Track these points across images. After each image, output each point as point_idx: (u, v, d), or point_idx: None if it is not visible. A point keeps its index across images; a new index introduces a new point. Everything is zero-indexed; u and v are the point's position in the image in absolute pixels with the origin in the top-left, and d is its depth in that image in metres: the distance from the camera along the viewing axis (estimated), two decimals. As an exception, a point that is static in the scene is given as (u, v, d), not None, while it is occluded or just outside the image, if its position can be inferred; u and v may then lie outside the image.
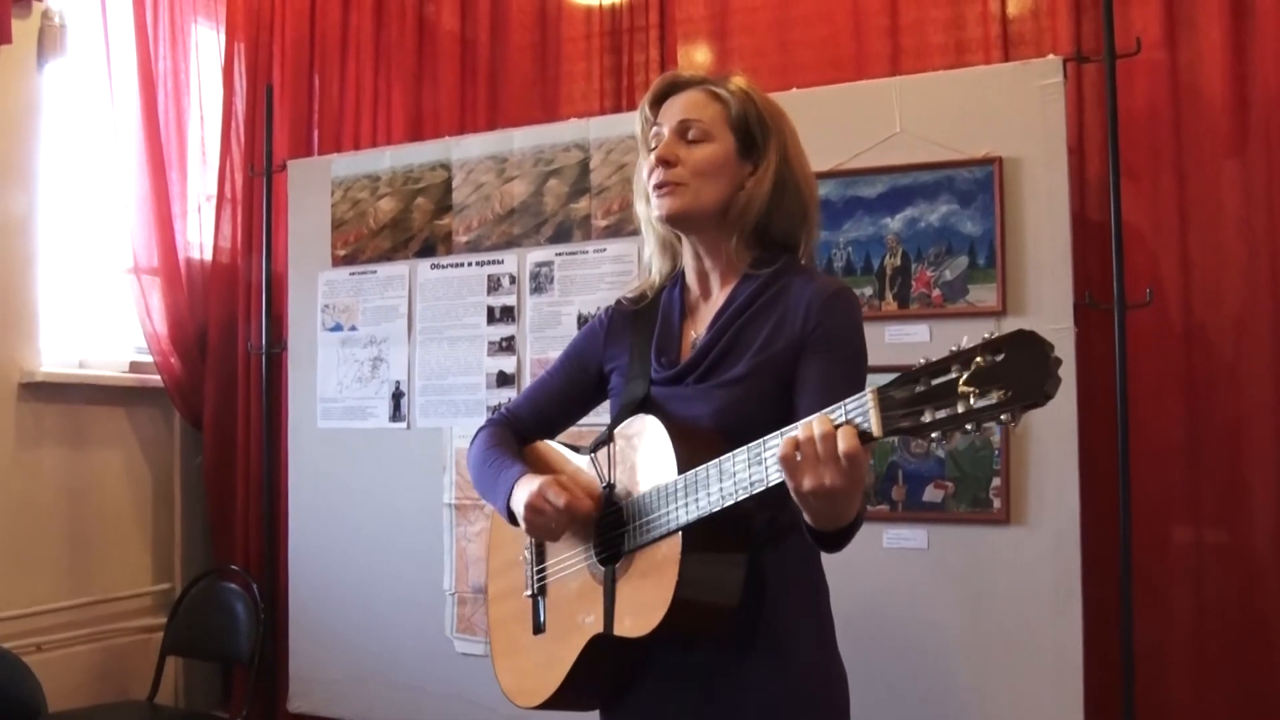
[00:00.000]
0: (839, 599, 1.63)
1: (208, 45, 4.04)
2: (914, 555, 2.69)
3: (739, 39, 3.45)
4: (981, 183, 2.68)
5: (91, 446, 3.62)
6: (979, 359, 1.10)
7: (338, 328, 3.51)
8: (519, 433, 1.79)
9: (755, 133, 1.61)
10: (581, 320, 3.11)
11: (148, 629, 3.69)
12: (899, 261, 2.76)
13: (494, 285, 3.27)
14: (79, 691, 3.38)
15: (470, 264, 3.31)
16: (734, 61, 3.40)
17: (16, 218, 3.38)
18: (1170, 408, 2.84)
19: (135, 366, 3.81)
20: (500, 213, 3.28)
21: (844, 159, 2.80)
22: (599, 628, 1.53)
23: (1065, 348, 2.58)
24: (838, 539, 1.38)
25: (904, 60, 3.18)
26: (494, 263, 3.28)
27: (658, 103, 1.66)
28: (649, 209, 1.64)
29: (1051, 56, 2.71)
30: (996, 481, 2.62)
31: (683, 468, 1.44)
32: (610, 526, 1.56)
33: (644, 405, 1.61)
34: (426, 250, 3.39)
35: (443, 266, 3.35)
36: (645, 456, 1.52)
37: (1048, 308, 2.61)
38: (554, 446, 1.76)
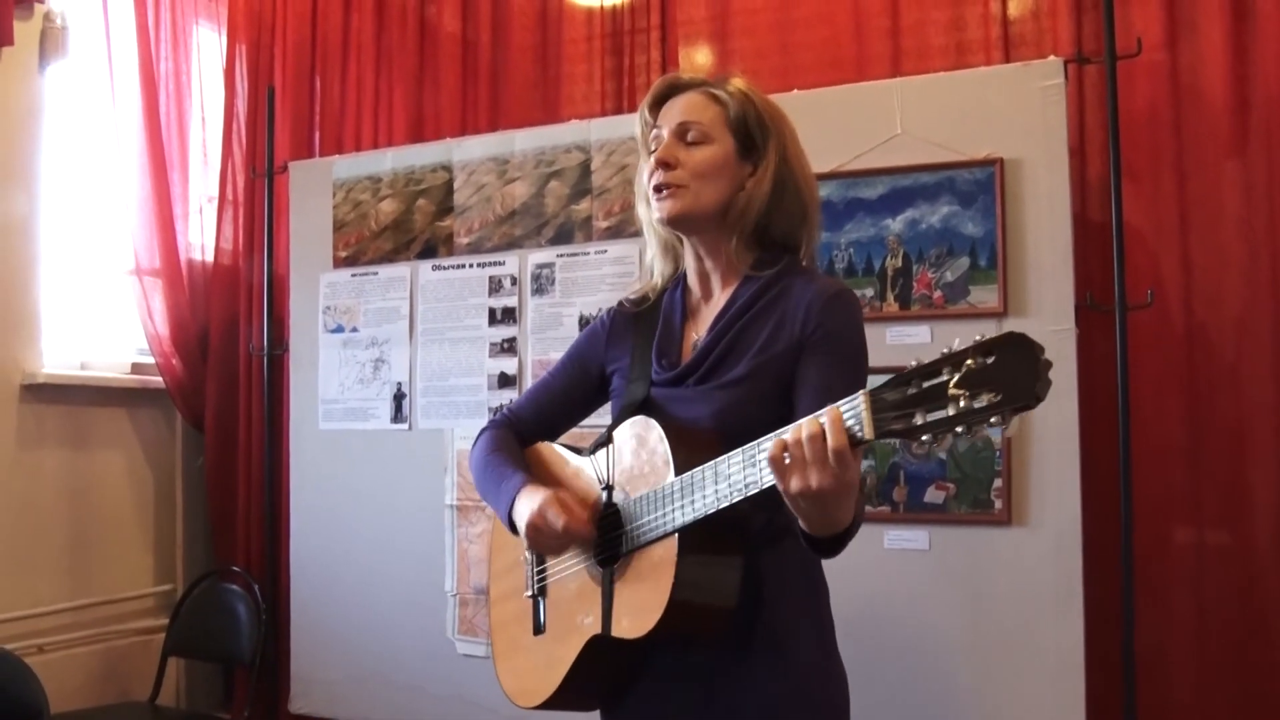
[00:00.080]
0: (840, 600, 1.63)
1: (209, 47, 4.04)
2: (915, 556, 2.69)
3: (740, 40, 3.45)
4: (982, 184, 2.68)
5: (93, 448, 3.62)
6: (970, 361, 1.10)
7: (339, 329, 3.51)
8: (520, 434, 1.80)
9: (754, 134, 1.61)
10: (583, 321, 3.11)
11: (149, 630, 3.69)
12: (900, 263, 2.76)
13: (495, 287, 3.27)
14: (80, 693, 3.38)
15: (471, 265, 3.31)
16: (735, 63, 3.40)
17: (18, 219, 3.38)
18: (1171, 409, 2.84)
19: (137, 368, 3.81)
20: (501, 214, 3.29)
21: (845, 160, 2.80)
22: (597, 629, 1.53)
23: (1066, 349, 2.58)
24: (832, 545, 1.38)
25: (905, 61, 3.18)
26: (495, 264, 3.28)
27: (657, 105, 1.67)
28: (650, 211, 1.64)
29: (1052, 58, 2.71)
30: (998, 483, 2.62)
31: (680, 470, 1.44)
32: (609, 528, 1.56)
33: (644, 407, 1.62)
34: (428, 252, 3.39)
35: (444, 268, 3.36)
36: (643, 458, 1.53)
37: (1049, 309, 2.61)
38: (555, 448, 1.77)
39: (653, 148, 1.64)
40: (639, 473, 1.53)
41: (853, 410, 1.22)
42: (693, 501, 1.41)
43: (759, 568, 1.50)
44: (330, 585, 3.48)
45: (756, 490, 1.33)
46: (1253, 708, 2.73)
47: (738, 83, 1.65)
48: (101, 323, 3.78)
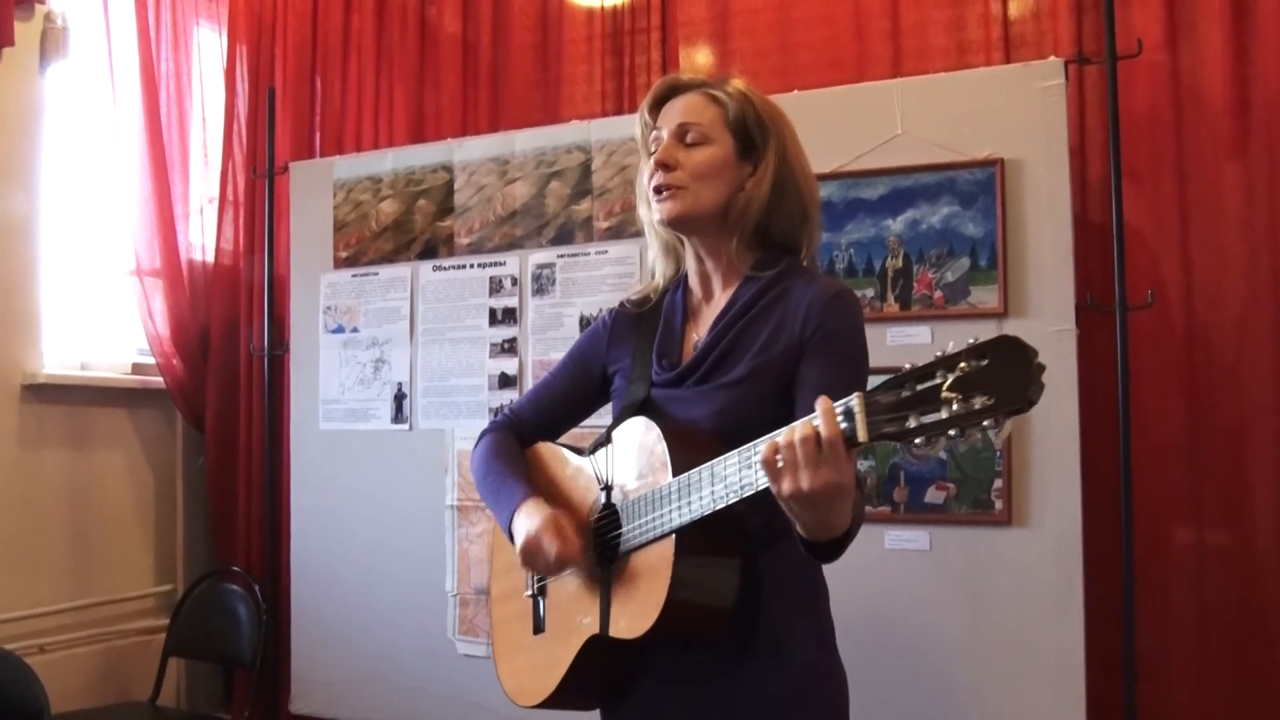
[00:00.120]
0: (840, 600, 1.63)
1: (210, 47, 4.04)
2: (916, 556, 2.70)
3: (740, 41, 3.46)
4: (983, 184, 2.68)
5: (94, 448, 3.62)
6: (963, 364, 1.10)
7: (340, 329, 3.51)
8: (521, 434, 1.80)
9: (754, 134, 1.61)
10: (583, 322, 3.11)
11: (150, 630, 3.70)
12: (900, 263, 2.76)
13: (496, 287, 3.27)
14: (81, 693, 3.39)
15: (472, 266, 3.31)
16: (735, 63, 3.40)
17: (19, 219, 3.38)
18: (1172, 409, 2.84)
19: (137, 368, 3.81)
20: (502, 214, 3.29)
21: (845, 161, 2.80)
22: (595, 629, 1.54)
23: (1067, 349, 2.58)
24: (829, 550, 1.37)
25: (905, 62, 3.18)
26: (496, 264, 3.28)
27: (657, 107, 1.67)
28: (651, 213, 1.65)
29: (1053, 58, 2.71)
30: (998, 483, 2.62)
31: (677, 470, 1.45)
32: (607, 528, 1.57)
33: (644, 407, 1.62)
34: (428, 252, 3.39)
35: (444, 268, 3.36)
36: (641, 459, 1.53)
37: (1049, 309, 2.61)
38: (555, 448, 1.77)
39: (652, 149, 1.64)
40: (637, 473, 1.54)
41: (847, 412, 1.21)
42: (689, 503, 1.41)
43: (757, 568, 1.50)
44: (331, 585, 3.48)
45: (752, 492, 1.33)
46: (1253, 708, 2.73)
47: (737, 83, 1.65)
48: (102, 323, 3.78)
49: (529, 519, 1.58)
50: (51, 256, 3.51)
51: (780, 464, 1.26)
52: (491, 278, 3.28)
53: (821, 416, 1.23)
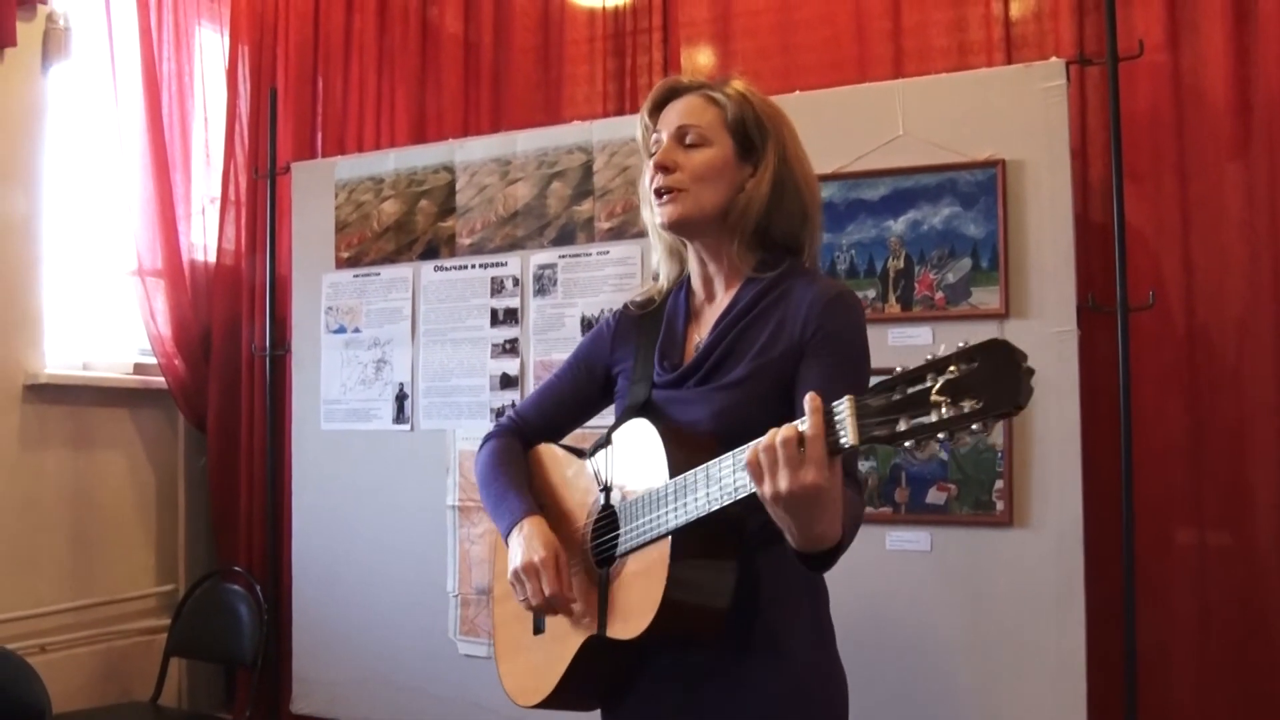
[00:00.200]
0: (841, 601, 1.63)
1: (212, 48, 4.05)
2: (917, 557, 2.70)
3: (742, 42, 3.46)
4: (984, 185, 2.68)
5: (95, 448, 3.62)
6: (953, 368, 1.10)
7: (341, 330, 3.52)
8: (525, 437, 1.81)
9: (753, 135, 1.61)
10: (584, 322, 3.12)
11: (151, 630, 3.70)
12: (902, 264, 2.76)
13: (497, 287, 3.27)
14: (83, 693, 3.39)
15: (473, 266, 3.32)
16: (737, 64, 3.40)
17: (21, 219, 3.39)
18: (1173, 410, 2.84)
19: (139, 368, 3.81)
20: (503, 215, 3.29)
21: (847, 162, 2.80)
22: (593, 629, 1.54)
23: (1068, 350, 2.58)
24: (820, 560, 1.36)
25: (907, 63, 3.18)
26: (497, 265, 3.28)
27: (657, 109, 1.67)
28: (653, 215, 1.65)
29: (1054, 59, 2.71)
30: (999, 484, 2.62)
31: (674, 472, 1.45)
32: (606, 529, 1.57)
33: (646, 408, 1.62)
34: (430, 252, 3.40)
35: (446, 269, 3.36)
36: (639, 460, 1.53)
37: (1050, 310, 2.61)
38: (556, 450, 1.78)
39: (653, 152, 1.64)
40: (635, 475, 1.54)
41: (838, 416, 1.21)
42: (685, 504, 1.41)
43: (756, 569, 1.50)
44: (332, 586, 3.48)
45: (745, 494, 1.33)
46: (1253, 708, 2.73)
47: (737, 84, 1.65)
48: (104, 323, 3.79)
49: (529, 545, 1.59)
50: (53, 256, 3.52)
51: (762, 466, 1.26)
52: (493, 278, 3.28)
53: (809, 415, 1.23)
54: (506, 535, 1.65)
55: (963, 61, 3.12)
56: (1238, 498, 2.79)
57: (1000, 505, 2.62)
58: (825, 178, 2.67)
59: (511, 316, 3.25)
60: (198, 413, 3.88)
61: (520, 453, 1.79)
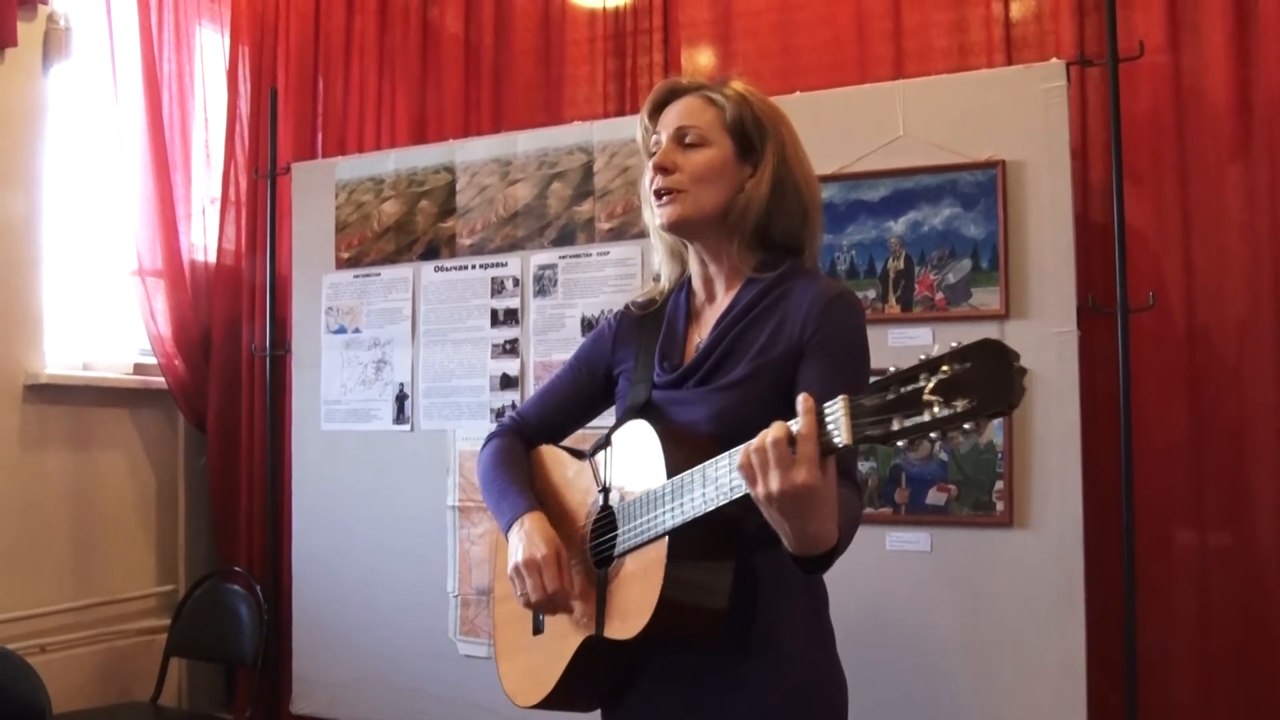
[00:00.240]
0: (841, 602, 1.63)
1: (212, 48, 4.05)
2: (917, 558, 2.70)
3: (742, 42, 3.46)
4: (984, 186, 2.68)
5: (96, 448, 3.62)
6: (945, 368, 1.10)
7: (341, 330, 3.52)
8: (527, 437, 1.81)
9: (752, 135, 1.61)
10: (585, 323, 3.12)
11: (151, 630, 3.70)
12: (902, 265, 2.76)
13: (497, 288, 3.27)
14: (83, 693, 3.39)
15: (474, 267, 3.32)
16: (737, 65, 3.40)
17: (21, 220, 3.39)
18: (1173, 410, 2.84)
19: (139, 368, 3.81)
20: (504, 215, 3.29)
21: (847, 162, 2.80)
22: (591, 629, 1.54)
23: (1068, 351, 2.58)
24: (816, 563, 1.35)
25: (907, 64, 3.18)
26: (497, 265, 3.28)
27: (657, 111, 1.67)
28: (653, 217, 1.65)
29: (1055, 60, 2.71)
30: (999, 484, 2.62)
31: (672, 472, 1.45)
32: (604, 530, 1.57)
33: (646, 409, 1.62)
34: (430, 253, 3.40)
35: (446, 269, 3.36)
36: (637, 461, 1.54)
37: (1051, 311, 2.61)
38: (557, 452, 1.78)
39: (653, 153, 1.64)
40: (634, 476, 1.54)
41: (832, 415, 1.21)
42: (681, 504, 1.41)
43: (754, 570, 1.50)
44: (332, 586, 3.48)
45: (741, 494, 1.32)
46: (1254, 709, 2.73)
47: (736, 85, 1.65)
48: (104, 323, 3.79)
49: (529, 541, 1.59)
50: (54, 256, 3.52)
51: (754, 466, 1.26)
52: (493, 279, 3.28)
53: (801, 415, 1.23)
54: (507, 531, 1.65)
55: (963, 62, 3.12)
56: (1238, 498, 2.79)
57: (1000, 506, 2.62)
58: (825, 178, 2.67)
59: (512, 317, 3.25)
60: (198, 413, 3.88)
61: (522, 452, 1.79)
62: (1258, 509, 2.77)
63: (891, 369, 1.15)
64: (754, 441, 1.27)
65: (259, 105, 3.96)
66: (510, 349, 3.25)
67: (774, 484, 1.24)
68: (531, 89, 3.81)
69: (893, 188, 2.77)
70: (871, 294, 2.77)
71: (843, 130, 2.80)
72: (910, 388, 1.12)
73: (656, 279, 1.77)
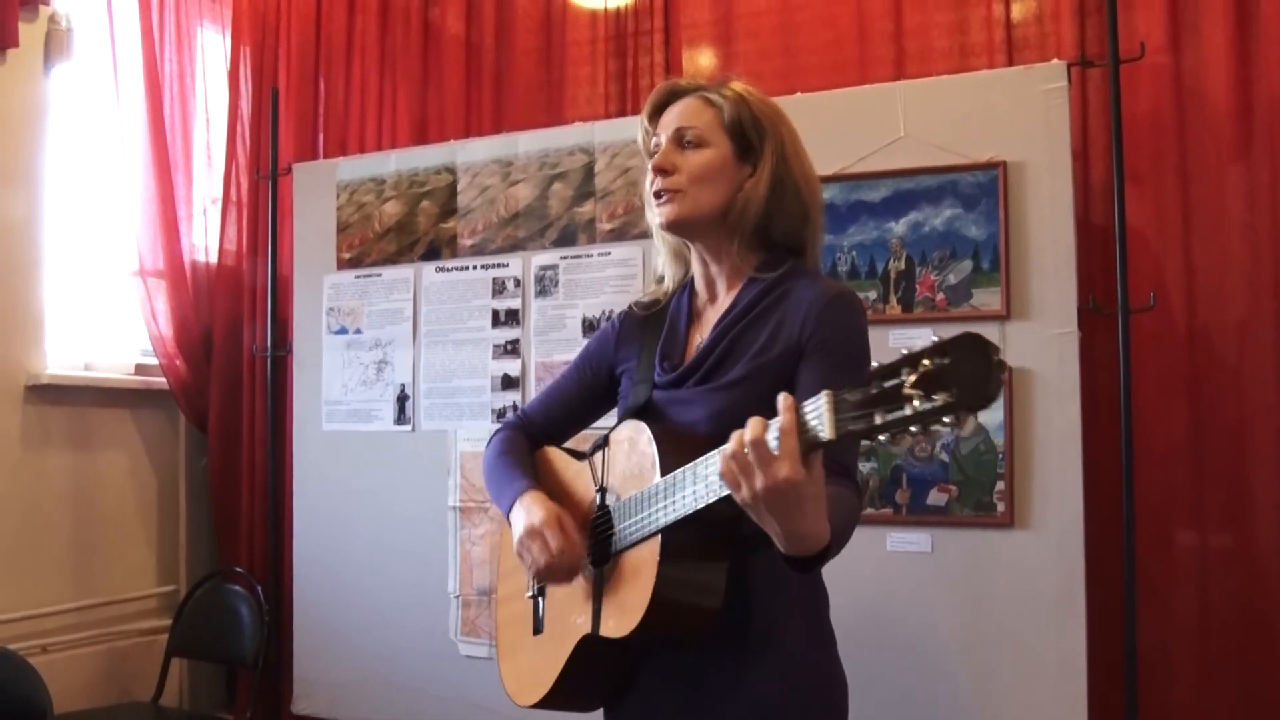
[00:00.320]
0: (842, 602, 1.63)
1: (213, 48, 4.05)
2: (917, 558, 2.70)
3: (743, 43, 3.46)
4: (985, 187, 2.68)
5: (97, 449, 3.63)
6: (926, 362, 1.10)
7: (343, 330, 3.52)
8: (532, 436, 1.82)
9: (751, 135, 1.61)
10: (586, 323, 3.12)
11: (153, 631, 3.70)
12: (903, 265, 2.76)
13: (499, 288, 3.28)
14: (84, 693, 3.39)
15: (475, 267, 3.32)
16: (738, 66, 3.40)
17: (22, 220, 3.39)
18: (1174, 411, 2.84)
19: (140, 369, 3.82)
20: (505, 216, 3.29)
21: (848, 163, 2.80)
22: (588, 629, 1.55)
23: (1069, 351, 2.59)
24: (811, 562, 1.33)
25: (908, 64, 3.19)
26: (499, 266, 3.28)
27: (657, 113, 1.68)
28: (653, 217, 1.65)
29: (1056, 61, 2.71)
30: (1000, 485, 2.62)
31: (665, 471, 1.45)
32: (602, 529, 1.57)
33: (646, 409, 1.62)
34: (431, 253, 3.40)
35: (447, 269, 3.36)
36: (634, 460, 1.54)
37: (1051, 311, 2.61)
38: (558, 453, 1.79)
39: (653, 154, 1.65)
40: (630, 475, 1.54)
41: (815, 410, 1.20)
42: (673, 502, 1.41)
43: (753, 570, 1.50)
44: (333, 586, 3.48)
45: (729, 492, 1.31)
46: (1254, 710, 2.73)
47: (735, 85, 1.65)
48: (105, 324, 3.79)
49: (529, 512, 1.60)
50: (55, 257, 3.52)
51: (735, 470, 1.25)
52: (494, 279, 3.28)
53: (782, 412, 1.23)
54: (509, 513, 1.66)
55: (964, 63, 3.12)
56: (1238, 499, 2.79)
57: (1001, 506, 2.62)
58: (826, 179, 2.67)
59: (513, 317, 3.25)
60: (199, 413, 3.88)
61: (525, 445, 1.80)
62: (1258, 509, 2.77)
63: (876, 364, 1.16)
64: (729, 446, 1.26)
65: (260, 106, 3.96)
66: (511, 349, 3.25)
67: (758, 483, 1.23)
68: (533, 90, 3.81)
69: (894, 188, 2.78)
70: (872, 295, 2.77)
71: (844, 131, 2.80)
72: (892, 382, 1.12)
73: (660, 280, 1.77)
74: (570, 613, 1.61)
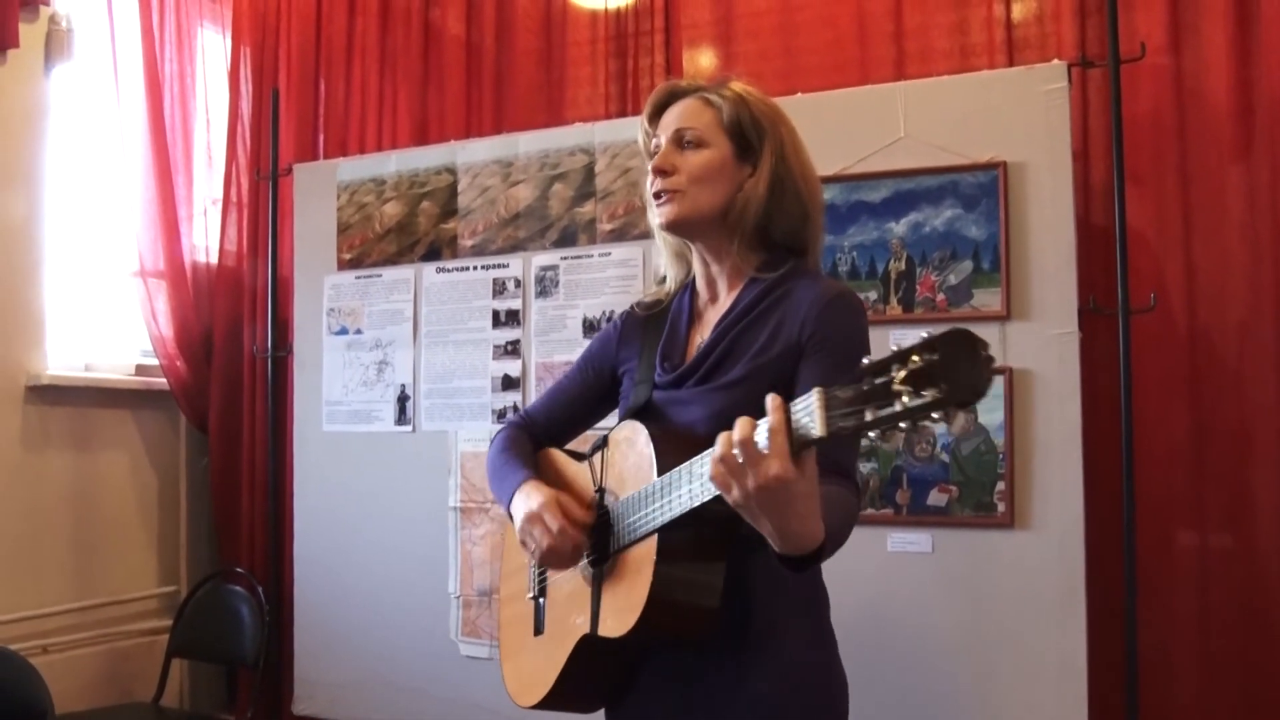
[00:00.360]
0: (842, 603, 1.63)
1: (214, 49, 4.05)
2: (918, 559, 2.70)
3: (744, 44, 3.46)
4: (986, 187, 2.68)
5: (97, 449, 3.63)
6: (915, 358, 1.10)
7: (343, 331, 3.52)
8: (534, 436, 1.82)
9: (750, 135, 1.61)
10: (587, 324, 3.12)
11: (153, 631, 3.70)
12: (903, 266, 2.76)
13: (499, 289, 3.28)
14: (85, 693, 3.39)
15: (475, 268, 3.32)
16: (739, 66, 3.40)
17: (23, 221, 3.39)
18: (1174, 412, 2.84)
19: (141, 369, 3.82)
20: (505, 216, 3.29)
21: (849, 163, 2.81)
22: (587, 629, 1.55)
23: (1069, 352, 2.59)
24: (805, 561, 1.33)
25: (909, 65, 3.19)
26: (499, 266, 3.29)
27: (657, 114, 1.68)
28: (655, 218, 1.66)
29: (1056, 61, 2.71)
30: (1001, 485, 2.62)
31: (663, 471, 1.45)
32: (601, 530, 1.58)
33: (646, 409, 1.63)
34: (432, 254, 3.40)
35: (448, 270, 3.36)
36: (631, 461, 1.54)
37: (1052, 312, 2.61)
38: (559, 454, 1.79)
39: (654, 155, 1.65)
40: (628, 475, 1.54)
41: (806, 408, 1.20)
42: (668, 501, 1.41)
43: (752, 569, 1.50)
44: (334, 587, 3.48)
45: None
46: (1255, 710, 2.73)
47: (735, 85, 1.65)
48: (106, 324, 3.79)
49: (528, 498, 1.60)
50: (55, 258, 3.52)
51: (725, 472, 1.25)
52: (495, 280, 3.29)
53: (771, 411, 1.23)
54: (509, 505, 1.66)
55: (965, 64, 3.12)
56: (1239, 499, 2.79)
57: (1002, 507, 2.62)
58: (827, 179, 2.67)
59: (513, 318, 3.25)
60: (199, 414, 3.88)
61: (527, 442, 1.80)
62: (1258, 510, 2.77)
63: (866, 360, 1.16)
64: (717, 449, 1.26)
65: (260, 106, 3.96)
66: (512, 350, 3.25)
67: (749, 483, 1.23)
68: (533, 90, 3.81)
69: (894, 189, 2.78)
70: (873, 295, 2.77)
71: (844, 131, 2.80)
72: (882, 379, 1.12)
73: (662, 280, 1.78)
74: (570, 613, 1.61)
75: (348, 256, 3.54)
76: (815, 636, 1.58)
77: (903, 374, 1.09)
